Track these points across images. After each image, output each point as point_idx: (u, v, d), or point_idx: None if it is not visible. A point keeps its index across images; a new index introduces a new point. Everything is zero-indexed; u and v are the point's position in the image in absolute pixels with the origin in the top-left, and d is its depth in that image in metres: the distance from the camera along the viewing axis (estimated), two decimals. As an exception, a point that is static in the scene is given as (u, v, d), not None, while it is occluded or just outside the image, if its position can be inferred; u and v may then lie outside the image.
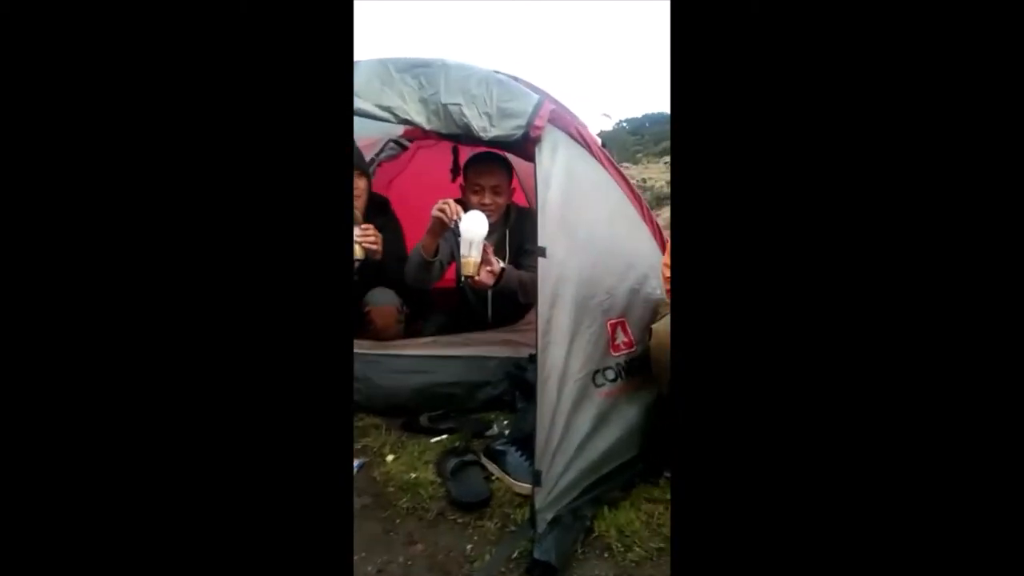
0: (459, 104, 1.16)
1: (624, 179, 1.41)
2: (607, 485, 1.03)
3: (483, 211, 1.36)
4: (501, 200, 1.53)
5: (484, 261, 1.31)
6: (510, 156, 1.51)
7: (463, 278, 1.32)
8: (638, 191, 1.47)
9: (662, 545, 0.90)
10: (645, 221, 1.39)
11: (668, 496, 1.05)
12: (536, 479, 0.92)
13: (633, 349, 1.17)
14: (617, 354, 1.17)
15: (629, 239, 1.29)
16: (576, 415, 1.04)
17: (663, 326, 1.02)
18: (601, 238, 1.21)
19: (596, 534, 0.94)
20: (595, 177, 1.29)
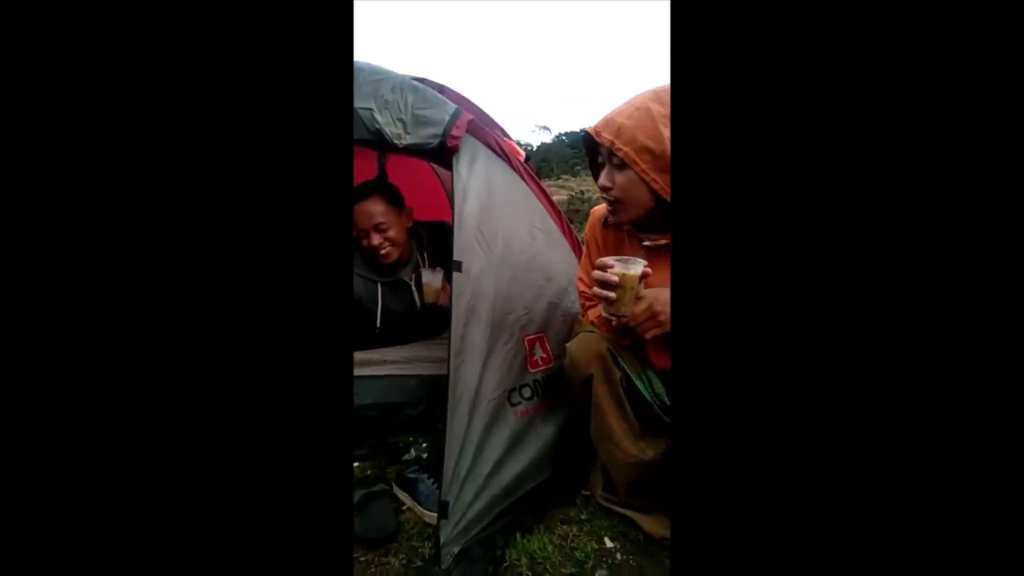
0: (370, 109, 1.09)
1: (543, 192, 1.41)
2: (521, 510, 1.00)
3: (377, 252, 1.35)
4: (392, 234, 1.39)
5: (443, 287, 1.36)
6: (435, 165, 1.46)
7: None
8: (576, 201, 1.48)
9: (573, 570, 0.88)
10: (564, 235, 1.39)
11: (583, 515, 1.03)
12: (443, 510, 0.87)
13: (551, 365, 1.15)
14: (535, 371, 1.14)
15: (548, 252, 1.28)
16: (489, 438, 1.00)
17: (577, 344, 1.00)
18: (519, 252, 1.19)
19: (507, 563, 0.89)
20: (514, 190, 1.27)
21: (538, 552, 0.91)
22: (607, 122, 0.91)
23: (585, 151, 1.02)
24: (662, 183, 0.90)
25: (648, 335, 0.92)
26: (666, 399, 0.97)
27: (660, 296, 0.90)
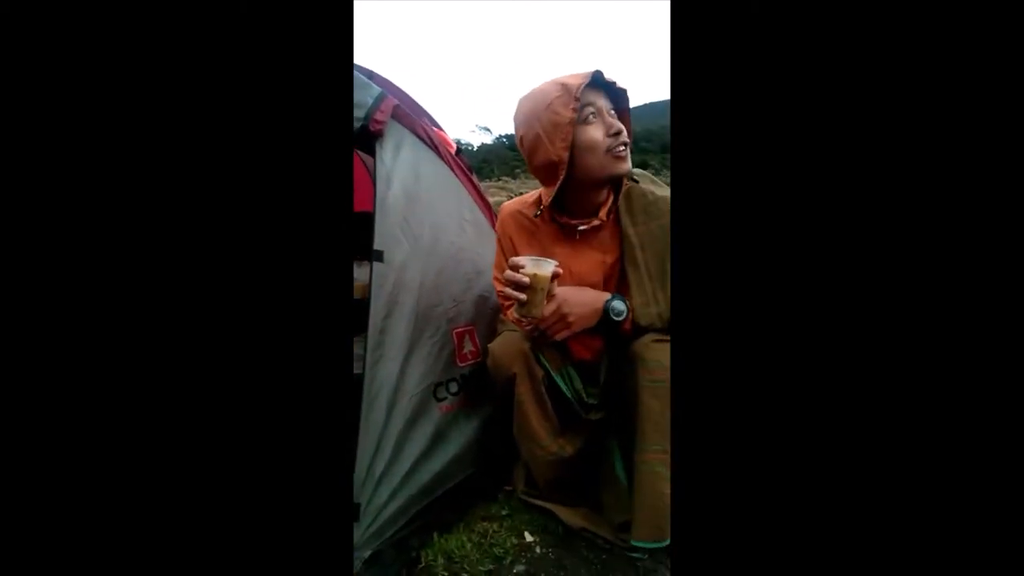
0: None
1: (475, 186, 1.39)
2: (440, 508, 0.97)
3: None
4: None
5: None
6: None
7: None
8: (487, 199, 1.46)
9: (491, 567, 0.87)
10: (495, 230, 1.38)
11: (505, 511, 1.02)
12: (355, 513, 0.81)
13: (480, 359, 1.13)
14: (463, 364, 1.12)
15: (478, 246, 1.26)
16: (411, 434, 0.96)
17: (499, 345, 0.99)
18: (448, 244, 1.16)
19: (423, 564, 0.86)
20: (444, 181, 1.24)
21: (456, 551, 0.89)
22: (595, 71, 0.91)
23: (570, 100, 0.89)
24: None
25: (558, 337, 0.91)
26: (584, 395, 0.99)
27: (570, 297, 0.90)
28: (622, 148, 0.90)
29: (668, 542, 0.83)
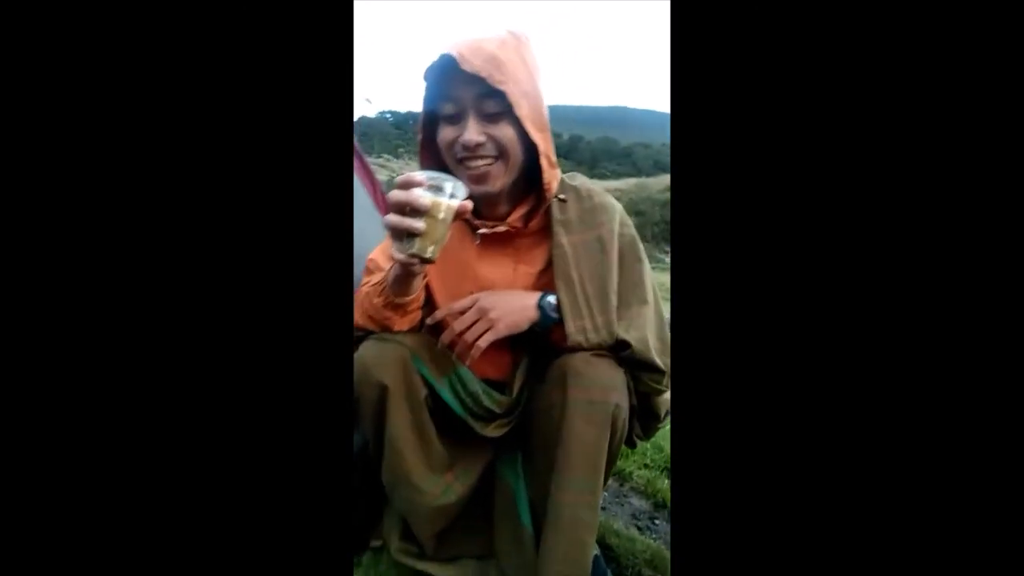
0: None
1: (364, 166, 1.10)
2: None
3: None
4: None
5: None
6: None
7: None
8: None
9: None
10: (380, 211, 1.13)
11: (371, 580, 0.74)
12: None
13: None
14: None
15: (367, 231, 0.96)
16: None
17: (369, 350, 0.70)
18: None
19: None
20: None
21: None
22: (475, 49, 0.61)
23: (426, 101, 0.68)
24: (544, 145, 0.66)
25: (480, 342, 0.66)
26: (484, 400, 0.75)
27: (490, 294, 0.69)
28: (477, 164, 0.65)
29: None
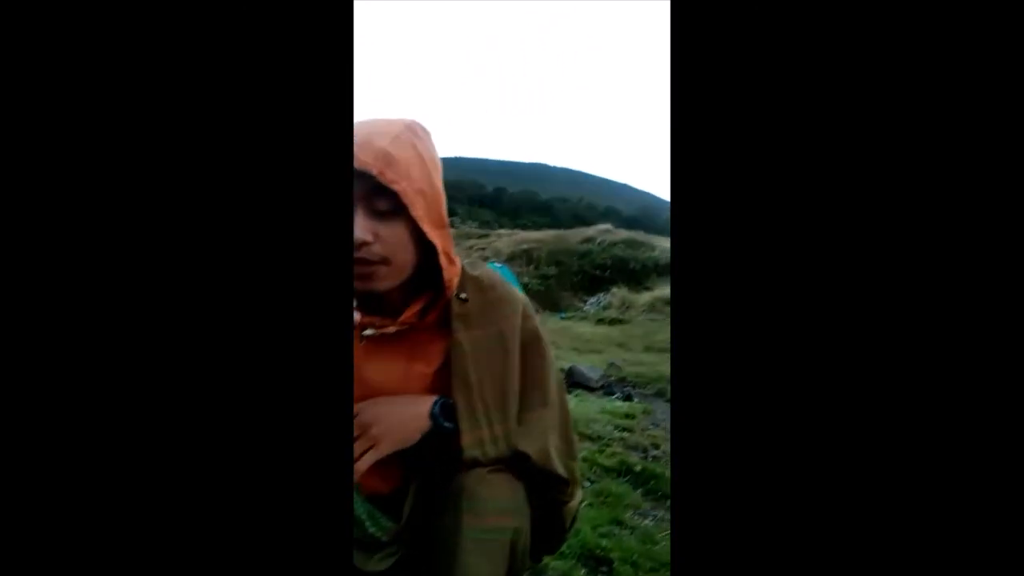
0: None
1: None
2: None
3: None
4: None
5: None
6: None
7: None
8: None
9: None
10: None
11: None
12: None
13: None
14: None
15: None
16: None
17: None
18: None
19: None
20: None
21: None
22: (364, 144, 0.56)
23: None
24: (442, 243, 0.62)
25: (359, 465, 0.58)
26: (367, 526, 0.65)
27: (374, 405, 0.62)
28: (363, 262, 0.58)
29: None
